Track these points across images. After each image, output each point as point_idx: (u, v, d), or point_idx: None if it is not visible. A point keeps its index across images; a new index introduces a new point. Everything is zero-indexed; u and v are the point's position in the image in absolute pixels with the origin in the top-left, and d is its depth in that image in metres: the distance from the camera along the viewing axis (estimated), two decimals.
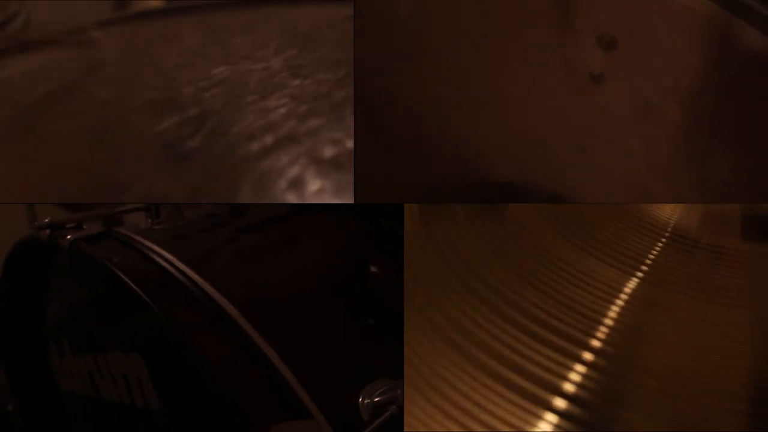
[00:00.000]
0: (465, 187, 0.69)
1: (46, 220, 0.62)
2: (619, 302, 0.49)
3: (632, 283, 0.51)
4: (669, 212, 0.61)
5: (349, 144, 0.43)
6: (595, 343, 0.45)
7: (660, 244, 0.56)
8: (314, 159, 0.42)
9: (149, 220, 0.65)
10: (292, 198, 0.40)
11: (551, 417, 0.39)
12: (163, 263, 0.56)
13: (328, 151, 0.42)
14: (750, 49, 0.55)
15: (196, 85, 0.49)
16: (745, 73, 0.56)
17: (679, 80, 0.61)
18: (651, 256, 0.54)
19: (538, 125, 0.69)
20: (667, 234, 0.58)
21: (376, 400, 0.50)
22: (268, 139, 0.43)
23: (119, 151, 0.44)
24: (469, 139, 0.70)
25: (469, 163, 0.71)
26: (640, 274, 0.52)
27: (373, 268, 0.63)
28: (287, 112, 0.45)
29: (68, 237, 0.59)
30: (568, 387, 0.41)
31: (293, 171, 0.41)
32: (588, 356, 0.44)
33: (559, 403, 0.40)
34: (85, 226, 0.62)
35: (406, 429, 0.40)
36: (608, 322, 0.47)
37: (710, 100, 0.59)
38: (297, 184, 0.40)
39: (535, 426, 0.39)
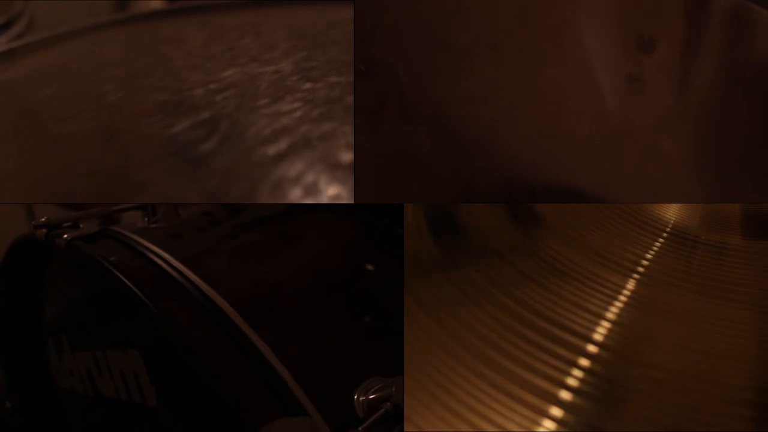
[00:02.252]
0: (492, 188, 0.68)
1: (43, 220, 0.61)
2: (619, 303, 0.49)
3: (633, 282, 0.51)
4: (669, 210, 0.61)
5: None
6: (595, 344, 0.45)
7: (660, 242, 0.57)
8: (328, 164, 0.42)
9: (146, 219, 0.65)
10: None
11: (549, 423, 0.40)
12: (160, 262, 0.56)
13: (345, 156, 0.43)
14: None
15: (206, 88, 0.49)
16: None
17: (712, 81, 0.62)
18: (650, 254, 0.55)
19: (573, 125, 0.69)
20: (666, 232, 0.58)
21: (371, 397, 0.50)
22: (282, 144, 0.43)
23: (130, 154, 0.45)
24: (501, 138, 0.70)
25: (499, 163, 0.70)
26: (638, 275, 0.52)
27: (370, 267, 0.64)
28: (301, 116, 0.45)
29: (65, 236, 0.59)
30: (569, 389, 0.41)
31: (308, 177, 0.41)
32: (589, 356, 0.44)
33: (559, 404, 0.40)
34: (81, 226, 0.62)
35: (406, 429, 0.40)
36: (608, 322, 0.47)
37: (736, 99, 0.60)
38: (311, 189, 0.41)
39: (534, 428, 0.39)
